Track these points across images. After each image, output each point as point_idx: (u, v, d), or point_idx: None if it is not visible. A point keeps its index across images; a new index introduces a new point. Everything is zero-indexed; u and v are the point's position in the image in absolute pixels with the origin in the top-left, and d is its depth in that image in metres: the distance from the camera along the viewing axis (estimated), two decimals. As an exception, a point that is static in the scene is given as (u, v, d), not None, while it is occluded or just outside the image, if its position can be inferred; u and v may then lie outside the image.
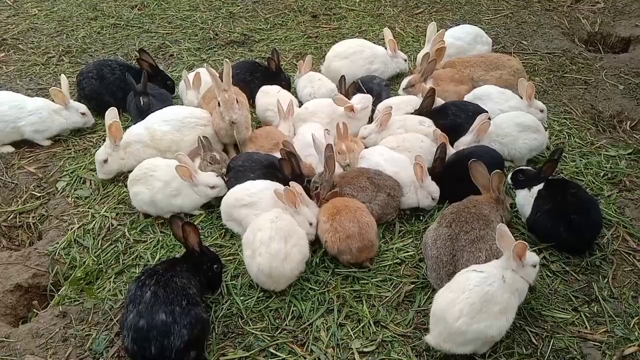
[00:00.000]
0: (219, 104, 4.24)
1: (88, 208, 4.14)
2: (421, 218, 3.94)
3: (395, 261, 3.57)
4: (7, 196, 4.38)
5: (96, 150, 4.47)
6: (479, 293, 2.80)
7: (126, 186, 4.11)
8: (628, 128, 5.08)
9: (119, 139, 4.25)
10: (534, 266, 3.00)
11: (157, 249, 3.74)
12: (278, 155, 4.03)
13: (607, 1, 7.25)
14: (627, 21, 6.76)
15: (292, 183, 3.60)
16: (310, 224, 3.58)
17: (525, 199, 3.78)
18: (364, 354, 3.01)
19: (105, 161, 4.26)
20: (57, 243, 3.84)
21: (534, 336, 3.09)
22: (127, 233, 3.88)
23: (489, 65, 5.18)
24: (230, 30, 6.79)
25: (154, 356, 2.75)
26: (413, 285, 3.40)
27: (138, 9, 7.37)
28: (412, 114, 4.60)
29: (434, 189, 3.90)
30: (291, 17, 7.11)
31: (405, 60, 5.72)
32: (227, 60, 4.32)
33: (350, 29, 6.79)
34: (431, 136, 4.28)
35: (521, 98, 4.68)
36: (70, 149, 4.79)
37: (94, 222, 4.00)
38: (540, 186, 3.74)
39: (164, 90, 5.18)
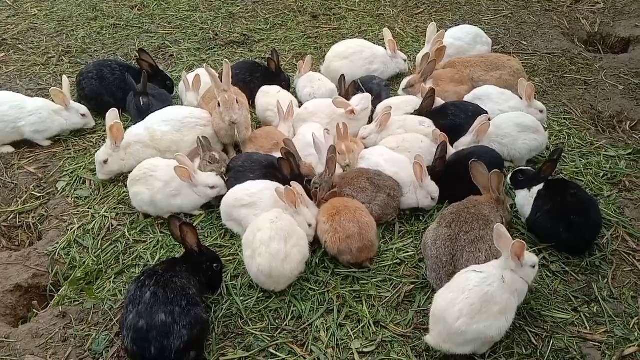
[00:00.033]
0: (218, 104, 4.24)
1: (88, 208, 4.14)
2: (421, 218, 3.95)
3: (395, 261, 3.58)
4: (7, 196, 4.38)
5: (96, 151, 4.47)
6: (478, 293, 2.80)
7: (126, 186, 4.11)
8: (628, 128, 5.08)
9: (120, 140, 4.25)
10: (533, 267, 3.00)
11: (157, 249, 3.74)
12: (278, 155, 4.03)
13: (607, 1, 7.25)
14: (627, 21, 6.76)
15: (292, 183, 3.60)
16: (310, 225, 3.58)
17: (525, 199, 3.78)
18: (364, 354, 3.02)
19: (106, 162, 4.26)
20: (57, 243, 3.84)
21: (533, 336, 3.09)
22: (127, 233, 3.88)
23: (489, 66, 5.19)
24: (230, 31, 6.79)
25: (153, 356, 2.75)
26: (413, 286, 3.40)
27: (138, 9, 7.37)
28: (411, 114, 4.60)
29: (434, 189, 3.91)
30: (291, 18, 7.11)
31: (405, 61, 5.73)
32: (227, 60, 4.32)
33: (350, 29, 6.79)
34: (431, 136, 4.28)
35: (521, 98, 4.68)
36: (70, 149, 4.79)
37: (93, 222, 4.00)
38: (540, 186, 3.74)
39: (163, 91, 5.18)
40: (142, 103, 4.71)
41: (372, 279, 3.45)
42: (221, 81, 4.18)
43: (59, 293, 3.53)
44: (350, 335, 3.11)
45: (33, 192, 4.37)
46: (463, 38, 5.73)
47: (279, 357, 3.01)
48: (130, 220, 4.02)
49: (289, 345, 3.08)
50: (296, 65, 5.58)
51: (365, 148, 4.28)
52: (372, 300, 3.32)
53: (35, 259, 3.75)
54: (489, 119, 4.30)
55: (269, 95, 4.90)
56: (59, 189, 4.36)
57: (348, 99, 4.68)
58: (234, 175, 4.00)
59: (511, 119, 4.39)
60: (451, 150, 4.20)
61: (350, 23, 6.95)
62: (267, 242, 3.25)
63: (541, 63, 5.96)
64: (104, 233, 3.91)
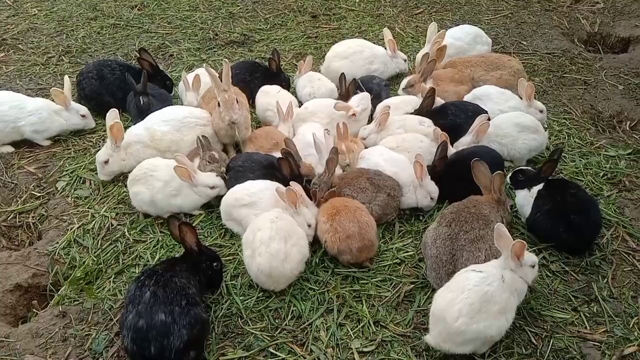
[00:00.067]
0: (218, 104, 4.24)
1: (88, 208, 4.14)
2: (421, 218, 3.95)
3: (394, 261, 3.58)
4: (7, 196, 4.37)
5: (96, 151, 4.48)
6: (478, 293, 2.81)
7: (126, 186, 4.11)
8: (628, 128, 5.08)
9: (121, 140, 4.24)
10: (533, 266, 3.00)
11: (157, 249, 3.74)
12: (278, 155, 4.03)
13: (607, 1, 7.25)
14: (627, 21, 6.76)
15: (292, 183, 3.60)
16: (309, 225, 3.58)
17: (525, 199, 3.78)
18: (364, 354, 3.02)
19: (106, 162, 4.26)
20: (57, 243, 3.84)
21: (533, 336, 3.09)
22: (126, 233, 3.88)
23: (490, 66, 5.19)
24: (230, 31, 6.79)
25: (153, 356, 2.75)
26: (413, 285, 3.40)
27: (138, 9, 7.37)
28: (411, 114, 4.60)
29: (433, 189, 3.91)
30: (291, 17, 7.11)
31: (405, 61, 5.73)
32: (227, 60, 4.32)
33: (350, 29, 6.80)
34: (431, 136, 4.28)
35: (521, 98, 4.68)
36: (70, 149, 4.79)
37: (93, 222, 4.00)
38: (540, 186, 3.74)
39: (163, 90, 5.18)
40: (142, 103, 4.71)
41: (372, 278, 3.45)
42: (221, 81, 4.18)
43: (58, 293, 3.53)
44: (350, 335, 3.11)
45: (33, 192, 4.37)
46: (463, 38, 5.73)
47: (279, 356, 3.01)
48: (130, 220, 4.02)
49: (289, 344, 3.08)
50: (296, 65, 5.58)
51: (365, 148, 4.28)
52: (372, 300, 3.32)
53: (35, 259, 3.75)
54: (489, 119, 4.30)
55: (269, 95, 4.90)
56: (58, 189, 4.36)
57: (348, 97, 4.69)
58: (233, 175, 4.00)
59: (511, 119, 4.39)
60: (451, 150, 4.19)
61: (350, 23, 6.95)
62: (267, 241, 3.25)
63: (541, 63, 5.96)
64: (104, 233, 3.91)
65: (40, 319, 3.30)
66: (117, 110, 4.28)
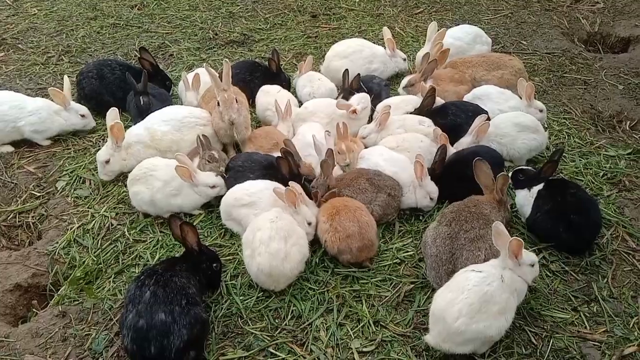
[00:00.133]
0: (218, 103, 4.24)
1: (88, 208, 4.14)
2: (421, 218, 3.94)
3: (394, 261, 3.58)
4: (7, 196, 4.37)
5: (96, 150, 4.48)
6: (478, 293, 2.81)
7: (126, 186, 4.11)
8: (627, 128, 5.08)
9: (121, 140, 4.24)
10: (532, 265, 3.00)
11: (157, 248, 3.74)
12: (278, 155, 4.03)
13: (607, 1, 7.25)
14: (627, 21, 6.76)
15: (291, 183, 3.60)
16: (309, 224, 3.58)
17: (525, 199, 3.78)
18: (364, 354, 3.02)
19: (107, 162, 4.26)
20: (57, 243, 3.84)
21: (533, 336, 3.09)
22: (126, 233, 3.88)
23: (491, 65, 5.19)
24: (230, 30, 6.79)
25: (153, 356, 2.75)
26: (412, 285, 3.40)
27: (138, 9, 7.37)
28: (411, 113, 4.60)
29: (433, 189, 3.90)
30: (291, 17, 7.11)
31: (404, 60, 5.72)
32: (227, 60, 4.32)
33: (350, 28, 6.79)
34: (431, 136, 4.28)
35: (520, 98, 4.68)
36: (70, 149, 4.79)
37: (93, 221, 3.99)
38: (540, 186, 3.74)
39: (163, 90, 5.18)
40: (142, 102, 4.71)
41: (371, 278, 3.45)
42: (221, 81, 4.18)
43: (58, 292, 3.53)
44: (350, 335, 3.11)
45: (33, 192, 4.37)
46: (463, 38, 5.73)
47: (279, 356, 3.01)
48: (130, 219, 4.02)
49: (289, 344, 3.08)
50: (296, 65, 5.58)
51: (365, 148, 4.27)
52: (372, 300, 3.31)
53: (35, 259, 3.75)
54: (488, 119, 4.30)
55: (269, 95, 4.90)
56: (58, 189, 4.36)
57: (353, 91, 4.67)
58: (233, 175, 4.00)
59: (510, 119, 4.39)
60: (451, 150, 4.19)
61: (350, 23, 6.95)
62: (266, 241, 3.25)
63: (541, 63, 5.96)
64: (104, 232, 3.91)
65: (40, 318, 3.30)
66: (117, 109, 4.27)
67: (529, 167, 4.02)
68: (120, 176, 4.35)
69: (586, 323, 3.18)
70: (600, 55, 6.22)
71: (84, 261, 3.68)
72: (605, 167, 4.39)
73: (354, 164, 4.11)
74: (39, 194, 4.35)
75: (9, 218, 4.19)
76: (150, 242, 3.80)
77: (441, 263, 3.23)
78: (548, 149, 4.53)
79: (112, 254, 3.73)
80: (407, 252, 3.64)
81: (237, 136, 4.36)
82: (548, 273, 3.47)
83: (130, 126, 4.56)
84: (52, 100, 4.79)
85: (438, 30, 5.41)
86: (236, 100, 4.25)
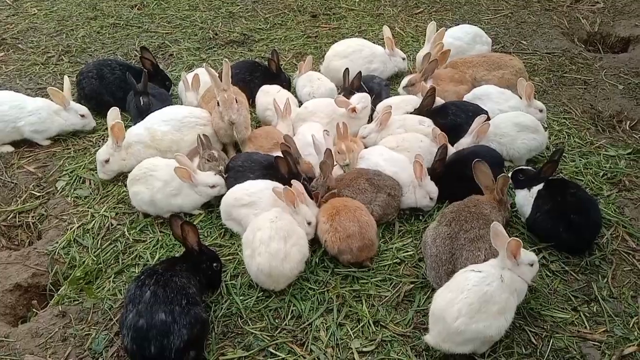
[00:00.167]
0: (218, 103, 4.24)
1: (87, 208, 4.14)
2: (421, 218, 3.94)
3: (394, 261, 3.58)
4: (7, 196, 4.37)
5: (96, 150, 4.47)
6: (477, 293, 2.80)
7: (126, 186, 4.11)
8: (627, 128, 5.08)
9: (122, 140, 4.24)
10: (531, 265, 2.99)
11: (157, 248, 3.74)
12: (278, 154, 4.02)
13: (607, 1, 7.25)
14: (627, 21, 6.76)
15: (294, 182, 3.60)
16: (309, 224, 3.57)
17: (525, 199, 3.78)
18: (364, 354, 3.02)
19: (107, 161, 4.26)
20: (57, 242, 3.84)
21: (533, 336, 3.09)
22: (126, 233, 3.88)
23: (491, 65, 5.19)
24: (229, 30, 6.79)
25: (153, 356, 2.75)
26: (412, 285, 3.40)
27: (138, 9, 7.37)
28: (411, 113, 4.60)
29: (433, 189, 3.90)
30: (291, 17, 7.11)
31: (404, 59, 5.72)
32: (227, 59, 4.32)
33: (350, 28, 6.79)
34: (431, 136, 4.27)
35: (521, 98, 4.68)
36: (70, 149, 4.79)
37: (93, 221, 3.99)
38: (540, 186, 3.74)
39: (163, 90, 5.18)
40: (142, 103, 4.71)
41: (371, 278, 3.45)
42: (221, 80, 4.18)
43: (58, 292, 3.53)
44: (350, 335, 3.11)
45: (33, 192, 4.37)
46: (463, 38, 5.73)
47: (279, 356, 3.01)
48: (129, 219, 4.02)
49: (289, 344, 3.08)
50: (296, 65, 5.58)
51: (365, 148, 4.27)
52: (372, 300, 3.31)
53: (35, 259, 3.75)
54: (488, 119, 4.30)
55: (269, 95, 4.89)
56: (58, 189, 4.36)
57: (354, 91, 4.67)
58: (233, 175, 4.00)
59: (510, 119, 4.39)
60: (451, 150, 4.19)
61: (350, 22, 6.95)
62: (266, 241, 3.25)
63: (541, 63, 5.96)
64: (104, 232, 3.91)
65: (40, 318, 3.30)
66: (117, 109, 4.27)
67: (529, 167, 4.02)
68: (120, 176, 4.34)
69: (586, 323, 3.18)
70: (600, 55, 6.22)
71: (84, 261, 3.68)
72: (605, 167, 4.39)
73: (353, 163, 4.10)
74: (39, 194, 4.35)
75: (9, 218, 4.19)
76: (150, 242, 3.80)
77: (441, 263, 3.23)
78: (548, 148, 4.53)
79: (112, 254, 3.73)
80: (407, 252, 3.64)
81: (237, 136, 4.36)
82: (548, 273, 3.47)
83: (130, 126, 4.56)
84: (52, 100, 4.79)
85: (437, 30, 5.41)
86: (236, 100, 4.25)
